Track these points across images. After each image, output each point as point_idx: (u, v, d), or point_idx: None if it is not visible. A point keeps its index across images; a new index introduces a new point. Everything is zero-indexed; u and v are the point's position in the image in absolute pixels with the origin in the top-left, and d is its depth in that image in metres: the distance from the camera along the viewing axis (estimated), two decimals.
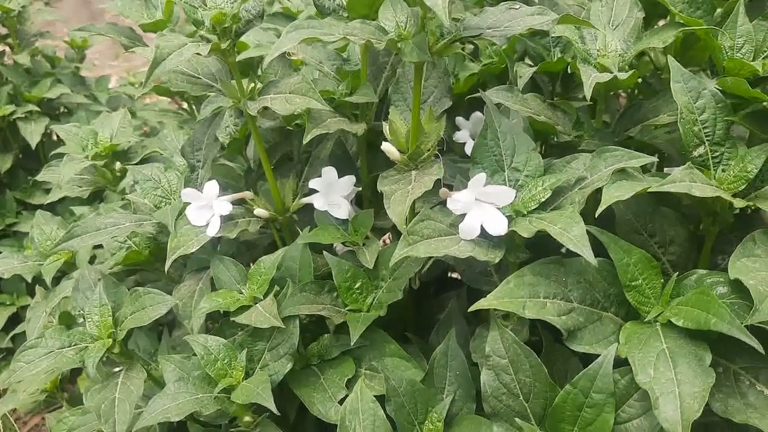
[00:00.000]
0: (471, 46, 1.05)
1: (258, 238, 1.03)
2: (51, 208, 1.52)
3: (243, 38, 0.90)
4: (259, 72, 1.12)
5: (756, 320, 0.61)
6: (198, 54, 0.78)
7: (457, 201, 0.68)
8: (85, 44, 2.41)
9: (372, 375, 0.82)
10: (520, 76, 0.91)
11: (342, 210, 0.89)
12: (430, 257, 0.92)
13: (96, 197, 1.49)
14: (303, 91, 0.78)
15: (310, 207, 0.92)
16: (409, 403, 0.77)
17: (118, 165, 1.14)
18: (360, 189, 0.94)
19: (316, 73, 1.00)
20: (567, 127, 0.87)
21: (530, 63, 1.02)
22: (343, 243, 0.87)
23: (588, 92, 0.71)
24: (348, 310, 0.83)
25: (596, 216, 0.67)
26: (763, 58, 0.80)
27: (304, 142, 0.77)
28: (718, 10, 0.84)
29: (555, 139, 0.94)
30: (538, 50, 0.98)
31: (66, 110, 2.25)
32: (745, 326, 0.61)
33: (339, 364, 0.82)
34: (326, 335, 0.85)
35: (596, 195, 0.71)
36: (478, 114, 0.95)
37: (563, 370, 0.76)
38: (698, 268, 0.74)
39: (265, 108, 0.79)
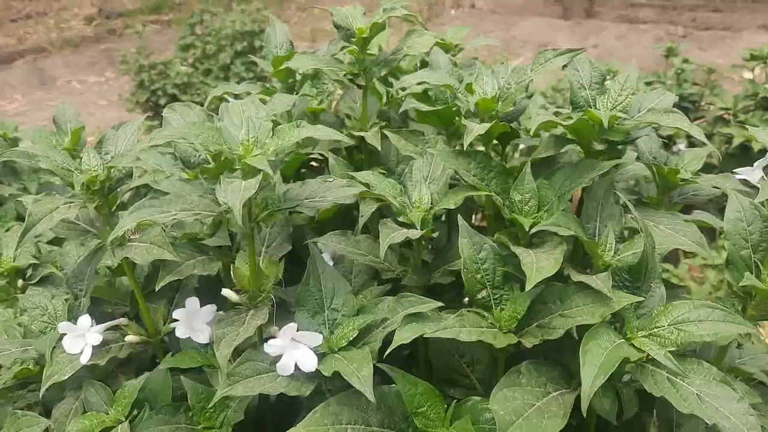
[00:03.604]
0: None
1: (141, 352, 1.16)
2: None
3: None
4: None
5: None
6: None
7: (272, 346, 0.83)
8: (17, 133, 2.53)
9: None
10: (362, 215, 1.08)
11: (204, 335, 1.02)
12: None
13: None
14: (160, 243, 0.93)
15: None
16: None
17: (20, 282, 1.27)
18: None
19: None
20: (394, 264, 1.04)
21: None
22: (200, 366, 1.01)
23: (382, 250, 0.88)
24: (203, 427, 0.96)
25: (383, 357, 0.83)
26: (545, 211, 0.99)
27: (157, 288, 0.92)
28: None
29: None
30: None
31: None
32: None
33: None
34: None
35: None
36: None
37: None
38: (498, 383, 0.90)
39: (127, 258, 0.94)
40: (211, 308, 1.03)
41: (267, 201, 0.87)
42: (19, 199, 1.73)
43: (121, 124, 1.03)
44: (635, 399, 0.90)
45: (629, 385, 0.90)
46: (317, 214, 1.12)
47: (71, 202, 0.92)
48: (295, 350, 0.85)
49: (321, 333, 0.86)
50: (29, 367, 1.11)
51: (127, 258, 1.01)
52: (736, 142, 3.26)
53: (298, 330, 0.84)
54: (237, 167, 0.82)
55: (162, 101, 4.89)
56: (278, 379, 0.84)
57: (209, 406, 0.96)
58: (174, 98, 4.85)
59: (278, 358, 0.85)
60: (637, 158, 1.12)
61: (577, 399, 0.81)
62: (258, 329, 0.91)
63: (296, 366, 0.85)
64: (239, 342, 0.84)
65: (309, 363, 0.84)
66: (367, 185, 0.95)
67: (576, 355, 0.88)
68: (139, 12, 9.07)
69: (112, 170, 0.95)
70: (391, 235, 0.90)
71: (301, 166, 1.32)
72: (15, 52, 8.29)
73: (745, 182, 1.05)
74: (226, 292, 0.91)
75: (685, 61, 3.90)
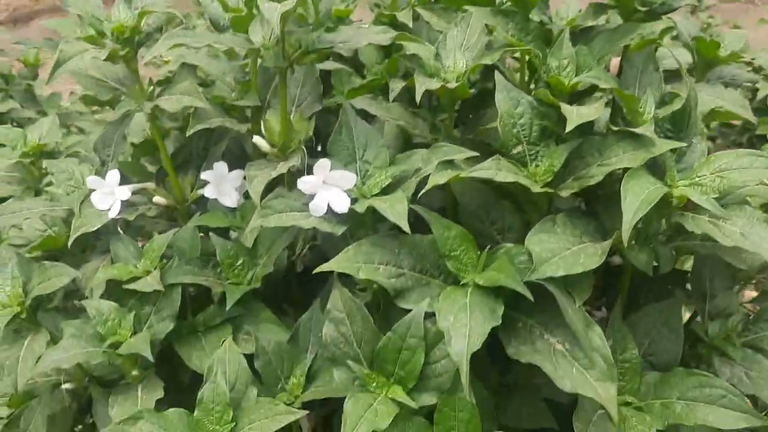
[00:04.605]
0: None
1: (169, 220, 1.16)
2: None
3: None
4: None
5: (534, 277, 0.76)
6: (105, 61, 0.92)
7: (305, 182, 0.82)
8: (37, 62, 2.53)
9: (248, 339, 0.94)
10: (392, 90, 1.07)
11: (231, 199, 1.02)
12: (308, 244, 1.06)
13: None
14: (190, 92, 0.92)
15: (207, 201, 1.05)
16: (276, 360, 0.90)
17: (44, 163, 1.26)
18: None
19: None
20: (425, 131, 1.03)
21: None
22: (228, 228, 1.00)
23: (418, 96, 0.86)
24: (229, 283, 0.96)
25: (418, 196, 0.82)
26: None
27: (187, 135, 0.91)
28: None
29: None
30: (413, 69, 1.13)
31: (17, 125, 2.36)
32: (531, 284, 0.76)
33: (219, 330, 0.95)
34: (211, 306, 0.97)
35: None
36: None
37: None
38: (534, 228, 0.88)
39: (158, 107, 0.92)
40: (239, 173, 1.02)
41: (301, 41, 0.86)
42: None
43: None
44: (671, 257, 0.89)
45: (665, 245, 0.89)
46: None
47: (102, 47, 0.90)
48: (327, 192, 0.84)
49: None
50: (54, 233, 1.11)
51: (156, 122, 1.01)
52: None
53: (331, 170, 0.83)
54: None
55: None
56: (311, 218, 0.83)
57: (238, 263, 0.96)
58: None
59: (311, 198, 0.83)
60: (676, 37, 1.09)
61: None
62: (289, 179, 0.90)
63: (329, 209, 0.83)
64: (275, 176, 0.83)
65: (342, 204, 0.83)
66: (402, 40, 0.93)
67: (612, 211, 0.86)
68: None
69: (142, 18, 0.93)
70: (427, 83, 0.88)
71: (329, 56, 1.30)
72: (31, 12, 8.30)
73: None
74: (257, 139, 0.90)
75: None
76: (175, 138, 1.27)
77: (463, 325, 0.74)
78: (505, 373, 0.99)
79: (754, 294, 1.10)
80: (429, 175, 0.85)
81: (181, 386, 0.99)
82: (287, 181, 0.89)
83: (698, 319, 0.96)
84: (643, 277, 0.96)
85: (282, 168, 0.84)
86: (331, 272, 0.83)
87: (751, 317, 0.93)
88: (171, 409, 0.80)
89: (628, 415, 0.81)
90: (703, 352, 0.92)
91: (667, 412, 0.81)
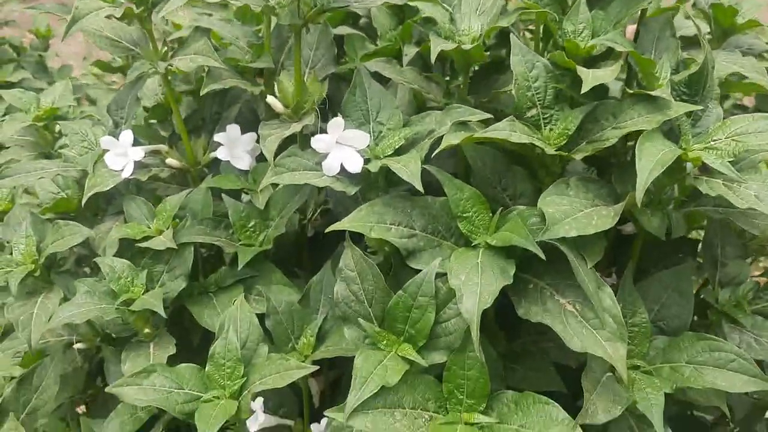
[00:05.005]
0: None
1: (181, 182, 1.16)
2: None
3: None
4: None
5: (546, 237, 0.76)
6: (119, 21, 0.93)
7: (319, 140, 0.82)
8: (49, 33, 2.53)
9: (259, 299, 0.95)
10: (406, 54, 1.06)
11: (244, 162, 1.02)
12: (321, 204, 1.07)
13: None
14: (204, 52, 0.92)
15: (219, 165, 1.05)
16: (287, 320, 0.90)
17: (57, 127, 1.27)
18: None
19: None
20: (438, 96, 1.02)
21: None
22: (240, 190, 1.00)
23: (433, 57, 0.86)
24: (241, 244, 0.96)
25: (432, 155, 0.82)
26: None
27: (201, 94, 0.91)
28: None
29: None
30: (426, 34, 1.13)
31: None
32: (542, 247, 0.76)
33: (231, 290, 0.95)
34: (223, 268, 0.98)
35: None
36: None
37: None
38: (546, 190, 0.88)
39: (171, 66, 0.92)
40: (251, 136, 1.03)
41: (315, 1, 0.85)
42: None
43: None
44: (683, 222, 0.89)
45: (678, 210, 0.89)
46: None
47: (117, 5, 0.90)
48: (340, 151, 0.84)
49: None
50: (67, 195, 1.11)
51: (169, 83, 1.01)
52: None
53: (345, 129, 0.83)
54: None
55: None
56: (323, 177, 0.83)
57: (250, 225, 0.96)
58: None
59: (324, 157, 0.83)
60: (693, 5, 1.08)
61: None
62: (302, 141, 0.90)
63: (342, 169, 0.83)
64: (287, 135, 0.83)
65: (355, 164, 0.83)
66: None
67: (625, 177, 0.86)
68: None
69: None
70: (442, 44, 0.87)
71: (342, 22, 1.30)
72: None
73: None
74: (270, 99, 0.90)
75: None
76: (188, 104, 1.27)
77: (475, 284, 0.74)
78: (513, 340, 0.99)
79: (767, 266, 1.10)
80: (442, 136, 0.85)
81: (191, 347, 1.00)
82: (300, 142, 0.89)
83: (709, 287, 0.96)
84: (654, 244, 0.96)
85: (295, 128, 0.84)
86: (342, 237, 0.84)
87: (761, 285, 0.93)
88: (182, 364, 0.81)
89: (637, 378, 0.81)
90: (712, 318, 0.92)
91: (676, 376, 0.81)
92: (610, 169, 0.90)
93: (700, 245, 1.02)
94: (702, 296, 0.98)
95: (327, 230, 0.81)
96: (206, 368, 0.80)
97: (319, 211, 1.07)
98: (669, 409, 0.77)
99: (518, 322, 0.90)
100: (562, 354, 0.93)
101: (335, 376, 1.05)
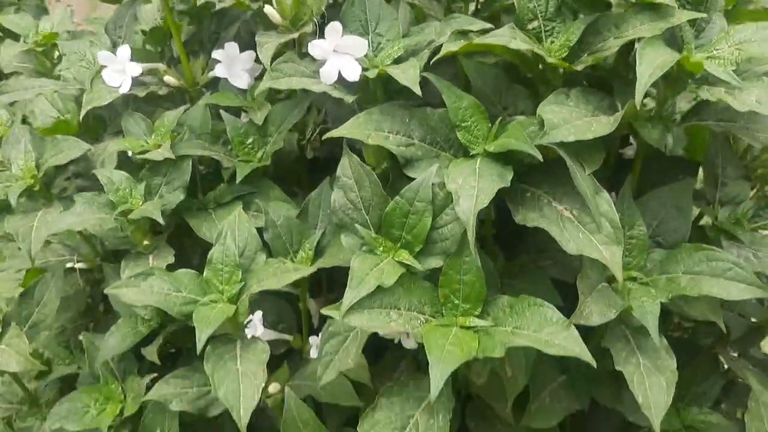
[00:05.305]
0: None
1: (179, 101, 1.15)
2: None
3: None
4: None
5: (545, 141, 0.75)
6: None
7: (316, 46, 0.81)
8: None
9: (258, 215, 0.95)
10: None
11: (242, 80, 1.01)
12: (320, 125, 1.06)
13: None
14: None
15: (218, 85, 1.04)
16: (286, 234, 0.90)
17: (56, 53, 1.26)
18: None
19: None
20: (439, 14, 1.01)
21: None
22: (241, 108, 0.99)
23: None
24: (239, 160, 0.96)
25: (431, 64, 0.81)
26: None
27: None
28: None
29: None
30: None
31: None
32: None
33: (229, 206, 0.95)
34: (222, 184, 0.98)
35: None
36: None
37: None
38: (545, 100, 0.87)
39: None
40: (250, 54, 1.02)
41: None
42: None
43: None
44: (683, 136, 0.88)
45: (679, 125, 0.88)
46: None
47: None
48: (338, 59, 0.83)
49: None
50: (66, 118, 1.11)
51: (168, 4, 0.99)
52: None
53: (343, 35, 0.82)
54: None
55: None
56: (321, 84, 0.83)
57: (248, 141, 0.96)
58: None
59: (321, 65, 0.83)
60: None
61: None
62: (300, 52, 0.89)
63: (339, 77, 0.83)
64: (284, 41, 0.82)
65: (353, 71, 0.82)
66: None
67: (626, 90, 0.85)
68: None
69: None
70: None
71: None
72: None
73: None
74: (268, 9, 0.89)
75: None
76: (187, 32, 1.26)
77: (471, 187, 0.74)
78: (511, 260, 1.00)
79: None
80: (441, 45, 0.84)
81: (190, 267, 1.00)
82: (298, 54, 0.88)
83: (709, 206, 0.96)
84: (655, 164, 0.96)
85: (294, 35, 0.84)
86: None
87: (762, 204, 0.92)
88: (181, 270, 0.82)
89: (633, 288, 0.82)
90: (711, 235, 0.91)
91: (672, 286, 0.81)
92: (613, 81, 0.89)
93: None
94: (700, 223, 0.98)
95: (325, 137, 0.80)
96: (204, 273, 0.81)
97: (318, 130, 1.07)
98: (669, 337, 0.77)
99: (517, 242, 0.90)
100: (559, 270, 0.93)
101: (335, 299, 1.06)
